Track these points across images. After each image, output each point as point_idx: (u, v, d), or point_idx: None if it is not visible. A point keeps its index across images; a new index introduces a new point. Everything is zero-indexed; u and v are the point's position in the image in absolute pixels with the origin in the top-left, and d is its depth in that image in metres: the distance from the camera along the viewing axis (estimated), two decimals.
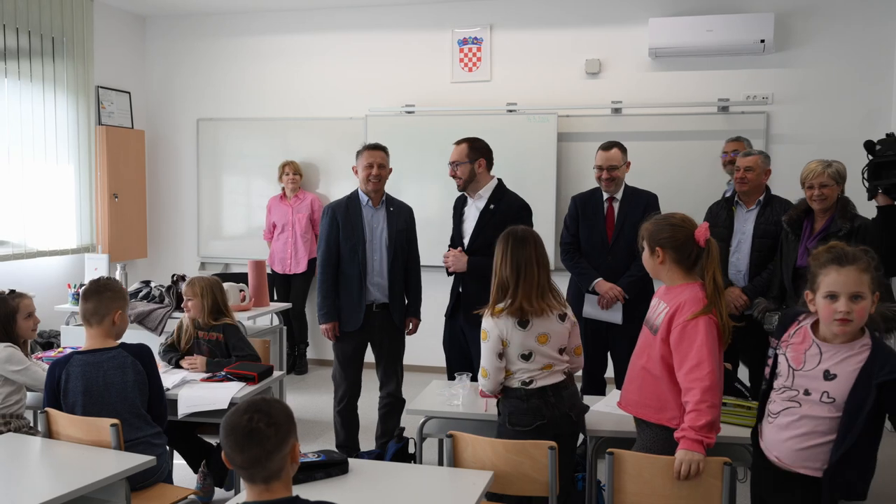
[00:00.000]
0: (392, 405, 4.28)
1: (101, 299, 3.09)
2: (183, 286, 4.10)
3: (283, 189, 6.60)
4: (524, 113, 6.25)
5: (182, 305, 4.10)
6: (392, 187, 6.09)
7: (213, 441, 4.13)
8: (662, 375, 2.63)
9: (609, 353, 4.34)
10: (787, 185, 5.37)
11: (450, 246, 4.21)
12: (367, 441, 4.42)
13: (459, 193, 4.22)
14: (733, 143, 5.11)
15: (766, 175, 4.31)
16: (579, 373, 3.24)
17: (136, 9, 7.01)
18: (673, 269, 2.70)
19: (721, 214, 4.35)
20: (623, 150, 4.25)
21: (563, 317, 2.88)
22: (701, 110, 5.97)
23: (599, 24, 6.22)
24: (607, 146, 4.25)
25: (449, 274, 4.14)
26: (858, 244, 3.56)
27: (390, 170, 4.21)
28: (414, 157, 6.36)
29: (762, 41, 5.67)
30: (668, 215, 2.80)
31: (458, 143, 4.09)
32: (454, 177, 4.06)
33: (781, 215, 4.12)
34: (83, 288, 3.18)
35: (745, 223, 4.27)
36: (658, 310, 2.73)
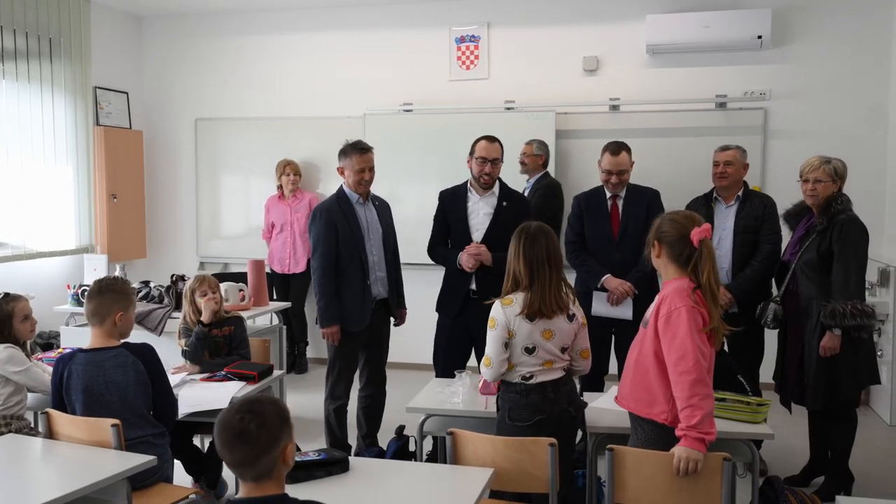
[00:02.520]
0: (375, 402, 4.28)
1: (101, 300, 3.09)
2: (190, 285, 3.98)
3: (281, 188, 6.60)
4: (522, 111, 6.25)
5: (204, 301, 3.90)
6: (391, 186, 6.17)
7: (207, 440, 4.14)
8: (651, 368, 2.65)
9: (615, 351, 4.33)
10: (783, 181, 5.40)
11: (435, 240, 4.25)
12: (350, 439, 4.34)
13: (448, 188, 4.27)
14: (528, 146, 5.66)
15: (745, 169, 4.31)
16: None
17: (132, 9, 7.01)
18: (668, 263, 2.73)
19: (700, 212, 4.31)
20: (629, 151, 4.23)
21: (571, 317, 2.89)
22: (699, 107, 5.98)
23: (597, 22, 6.22)
24: (615, 151, 4.19)
25: (462, 268, 4.04)
26: (833, 239, 3.63)
27: None
28: (412, 156, 6.37)
29: (759, 37, 5.68)
30: (675, 212, 2.83)
31: (493, 140, 4.09)
32: (487, 174, 4.04)
33: (761, 210, 4.17)
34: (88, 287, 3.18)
35: (725, 219, 4.26)
36: (652, 304, 2.76)
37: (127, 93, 7.05)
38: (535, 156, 5.65)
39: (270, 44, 6.94)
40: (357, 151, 4.07)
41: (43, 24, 6.02)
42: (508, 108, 6.31)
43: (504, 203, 4.10)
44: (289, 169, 6.54)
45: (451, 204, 4.22)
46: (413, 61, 6.60)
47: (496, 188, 4.15)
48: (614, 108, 6.13)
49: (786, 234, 4.16)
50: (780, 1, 5.81)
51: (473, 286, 4.08)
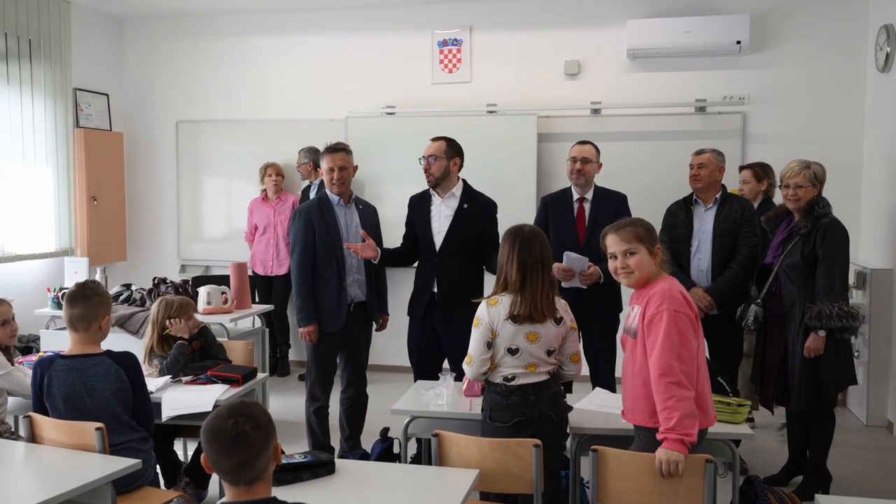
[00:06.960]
0: (357, 404, 4.29)
1: (89, 305, 3.04)
2: (161, 313, 3.90)
3: (265, 190, 6.59)
4: (504, 114, 6.28)
5: (187, 325, 3.89)
6: (373, 189, 6.17)
7: (190, 443, 4.13)
8: (648, 380, 2.64)
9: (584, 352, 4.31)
10: None
11: (402, 243, 4.28)
12: (332, 442, 4.33)
13: (417, 192, 4.28)
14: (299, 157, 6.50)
15: (721, 172, 4.34)
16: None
17: (113, 10, 6.97)
18: (658, 265, 2.75)
19: (680, 215, 4.37)
20: (597, 149, 4.28)
21: (559, 320, 2.89)
22: (678, 111, 6.04)
23: (578, 26, 6.27)
24: (582, 142, 4.30)
25: (376, 263, 4.13)
26: (816, 243, 3.69)
27: (356, 167, 4.21)
28: (394, 159, 6.37)
29: (738, 42, 5.76)
30: (635, 218, 2.87)
31: (436, 139, 4.13)
32: (426, 171, 4.07)
33: (739, 212, 4.21)
34: (68, 291, 3.11)
35: (704, 222, 4.29)
36: (633, 314, 2.76)
37: (107, 94, 7.00)
38: (303, 164, 6.46)
39: (253, 46, 6.93)
40: (328, 151, 4.09)
41: (22, 25, 5.97)
42: (491, 112, 6.33)
43: (465, 205, 4.10)
44: (270, 170, 6.52)
45: (417, 208, 4.25)
46: (396, 64, 6.61)
47: (458, 190, 4.13)
48: (595, 111, 6.18)
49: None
50: (758, 7, 5.90)
51: (435, 289, 4.09)
